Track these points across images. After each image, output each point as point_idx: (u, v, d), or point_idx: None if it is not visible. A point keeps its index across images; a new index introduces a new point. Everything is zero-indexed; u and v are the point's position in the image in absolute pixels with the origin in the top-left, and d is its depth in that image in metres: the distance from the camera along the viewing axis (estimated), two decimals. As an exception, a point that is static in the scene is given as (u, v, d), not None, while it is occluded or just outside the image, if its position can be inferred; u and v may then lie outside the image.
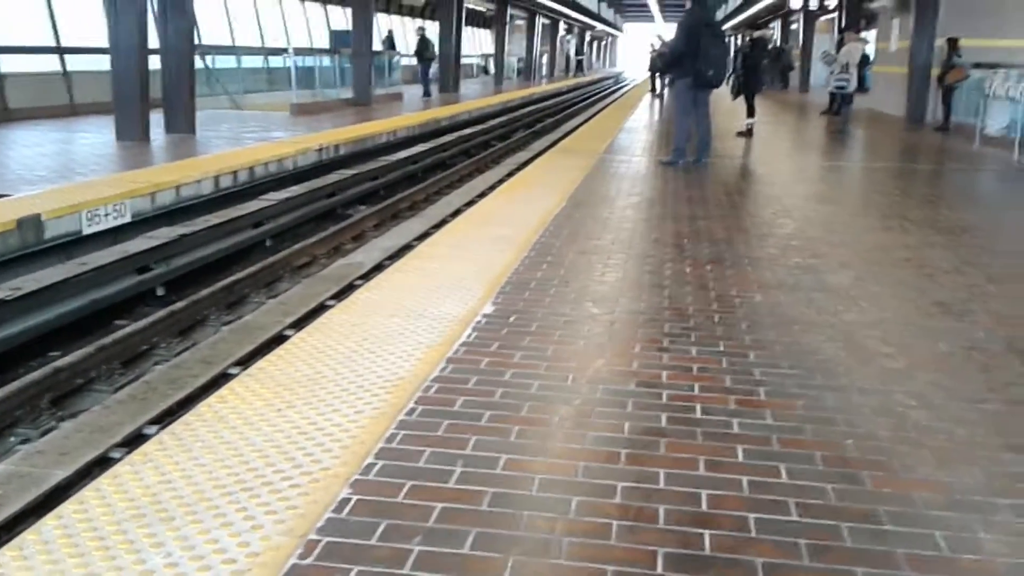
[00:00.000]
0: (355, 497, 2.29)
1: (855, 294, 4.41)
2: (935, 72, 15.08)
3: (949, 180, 9.59)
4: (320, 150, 11.51)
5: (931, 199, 7.81)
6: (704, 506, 2.30)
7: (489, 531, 2.15)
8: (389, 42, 25.95)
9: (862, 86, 19.25)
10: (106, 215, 7.12)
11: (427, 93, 22.55)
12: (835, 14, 26.58)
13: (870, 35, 22.91)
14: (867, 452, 2.62)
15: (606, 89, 40.80)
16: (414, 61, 24.99)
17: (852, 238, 5.86)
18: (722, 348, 3.53)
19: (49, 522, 2.15)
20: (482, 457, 2.53)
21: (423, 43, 23.36)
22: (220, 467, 2.41)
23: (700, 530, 2.18)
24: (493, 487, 2.36)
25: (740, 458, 2.57)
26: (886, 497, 2.36)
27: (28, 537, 2.07)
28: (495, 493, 2.33)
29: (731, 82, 14.17)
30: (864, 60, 19.14)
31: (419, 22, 29.73)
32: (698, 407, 2.93)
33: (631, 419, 2.82)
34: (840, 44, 16.51)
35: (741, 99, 13.30)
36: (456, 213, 8.43)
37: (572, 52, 52.13)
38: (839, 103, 15.23)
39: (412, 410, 2.84)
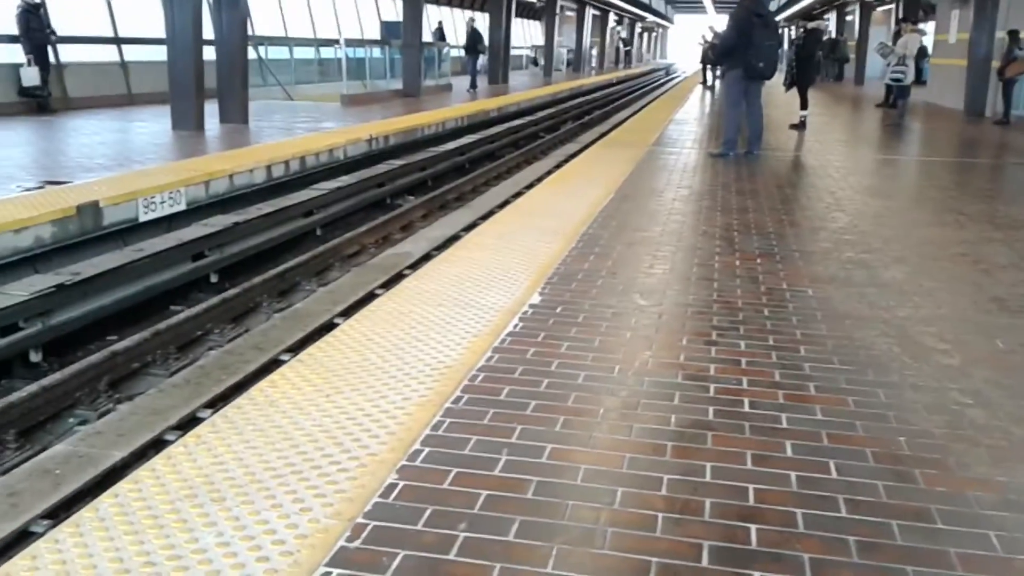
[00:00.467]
0: (402, 483, 2.31)
1: (909, 289, 4.33)
2: (995, 65, 14.71)
3: (1008, 175, 9.35)
4: (370, 140, 11.60)
5: (989, 194, 7.63)
6: (751, 500, 2.28)
7: (534, 519, 2.16)
8: (439, 33, 25.94)
9: (919, 78, 18.85)
10: (162, 203, 7.26)
11: (474, 85, 22.45)
12: (892, 5, 26.04)
13: (928, 27, 22.42)
14: (920, 450, 2.58)
15: (656, 81, 40.48)
16: (463, 53, 24.85)
17: (906, 233, 5.75)
18: (771, 342, 3.49)
19: (105, 500, 2.20)
20: (528, 446, 2.54)
21: (475, 35, 22.99)
22: (271, 450, 2.46)
23: (746, 524, 2.16)
24: (538, 476, 2.37)
25: (788, 453, 2.54)
26: (939, 495, 2.32)
27: (85, 515, 2.13)
28: (540, 482, 2.34)
29: (784, 74, 13.98)
30: (922, 52, 18.75)
31: (468, 13, 29.69)
32: (746, 401, 2.90)
33: (678, 412, 2.81)
34: (897, 35, 16.19)
35: (794, 91, 13.11)
36: (503, 204, 8.43)
37: (621, 44, 51.81)
38: (895, 95, 14.93)
39: (458, 398, 2.86)
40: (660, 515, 2.20)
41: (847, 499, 2.29)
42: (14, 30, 12.49)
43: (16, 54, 12.67)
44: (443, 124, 14.51)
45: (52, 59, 13.11)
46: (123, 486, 2.27)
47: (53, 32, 12.89)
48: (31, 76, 12.52)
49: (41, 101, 12.76)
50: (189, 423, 3.95)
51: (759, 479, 2.38)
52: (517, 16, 33.50)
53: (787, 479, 2.39)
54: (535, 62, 40.29)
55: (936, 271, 4.76)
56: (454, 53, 26.37)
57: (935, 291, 4.33)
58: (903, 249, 5.22)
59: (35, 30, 12.52)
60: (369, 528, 2.10)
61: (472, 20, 23.77)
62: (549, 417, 2.74)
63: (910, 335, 3.62)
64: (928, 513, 2.23)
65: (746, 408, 2.85)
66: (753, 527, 2.15)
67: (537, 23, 43.38)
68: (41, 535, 2.52)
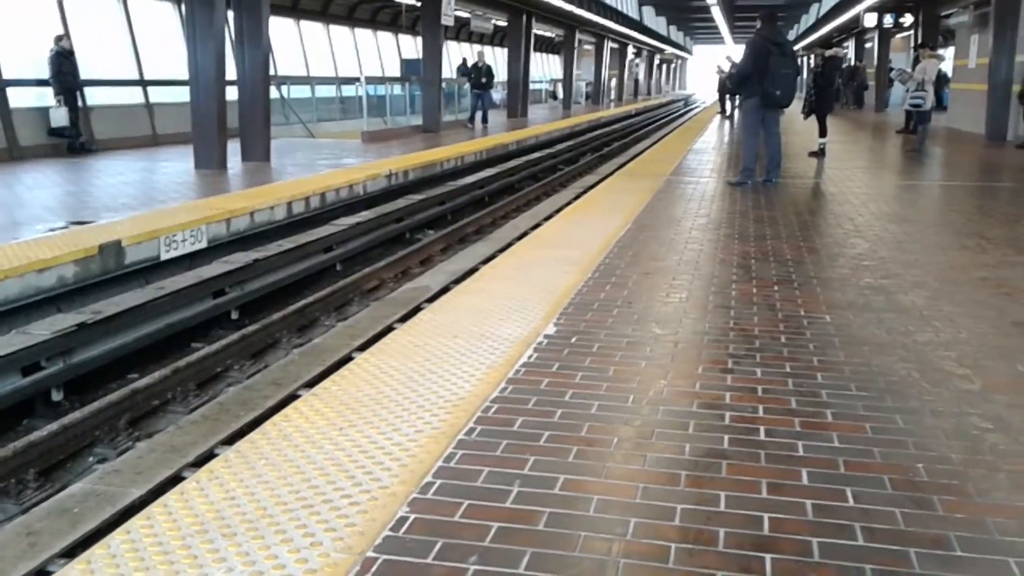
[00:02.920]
0: (412, 515, 2.30)
1: (928, 314, 4.28)
2: (1016, 89, 14.64)
3: (1032, 198, 9.26)
4: (389, 176, 11.69)
5: (1011, 218, 7.55)
6: (766, 529, 2.25)
7: (545, 551, 2.14)
8: (464, 69, 26.00)
9: (940, 104, 18.79)
10: (183, 241, 7.34)
11: (484, 120, 22.25)
12: (911, 31, 26.04)
13: (948, 52, 22.38)
14: (939, 476, 2.54)
15: (675, 112, 40.61)
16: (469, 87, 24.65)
17: (926, 258, 5.69)
18: (788, 369, 3.46)
19: (117, 536, 2.21)
20: (540, 477, 2.53)
21: (485, 71, 22.16)
22: (282, 484, 2.46)
23: (761, 554, 2.13)
24: (550, 507, 2.35)
25: (804, 481, 2.51)
26: (958, 522, 2.28)
27: (97, 552, 2.14)
28: (552, 513, 2.32)
29: (803, 102, 13.97)
30: (942, 78, 18.70)
31: (488, 49, 29.96)
32: (762, 429, 2.87)
33: (692, 440, 2.78)
34: (916, 61, 16.16)
35: (813, 119, 13.10)
36: (522, 236, 8.45)
37: (640, 76, 52.08)
38: (915, 121, 14.87)
39: (471, 430, 2.85)
40: (673, 546, 2.17)
41: (864, 527, 2.25)
42: (43, 74, 12.78)
43: (44, 98, 12.96)
44: (462, 158, 14.61)
45: (80, 103, 13.40)
46: (135, 522, 2.28)
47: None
48: (60, 117, 12.81)
49: (71, 143, 13.03)
50: (206, 459, 3.96)
51: (774, 508, 2.35)
52: (536, 51, 33.81)
53: (803, 507, 2.35)
54: (554, 95, 40.57)
55: (957, 296, 4.70)
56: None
57: (955, 316, 4.28)
58: (923, 274, 5.17)
59: (67, 74, 12.83)
60: (379, 562, 2.09)
61: (481, 54, 23.65)
62: (562, 448, 2.73)
63: (929, 360, 3.58)
64: (947, 540, 2.19)
65: (762, 436, 2.82)
66: (768, 556, 2.12)
67: (556, 56, 43.75)
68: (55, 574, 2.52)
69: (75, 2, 14.20)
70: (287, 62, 20.57)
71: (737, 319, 4.20)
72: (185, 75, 11.72)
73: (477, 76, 22.01)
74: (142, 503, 3.64)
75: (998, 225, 7.00)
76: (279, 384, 5.05)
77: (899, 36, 29.40)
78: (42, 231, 7.07)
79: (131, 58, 15.38)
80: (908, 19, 25.72)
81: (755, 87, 9.16)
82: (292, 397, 4.78)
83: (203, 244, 7.62)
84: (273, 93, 14.84)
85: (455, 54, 29.97)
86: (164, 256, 7.14)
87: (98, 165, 12.09)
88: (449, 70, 25.95)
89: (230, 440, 4.26)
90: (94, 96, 14.15)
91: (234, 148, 12.34)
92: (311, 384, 4.87)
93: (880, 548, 2.16)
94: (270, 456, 2.64)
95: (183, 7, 14.74)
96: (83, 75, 13.37)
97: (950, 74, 21.39)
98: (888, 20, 26.98)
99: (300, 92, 20.47)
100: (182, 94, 12.70)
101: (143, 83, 15.39)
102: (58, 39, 12.88)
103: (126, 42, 15.36)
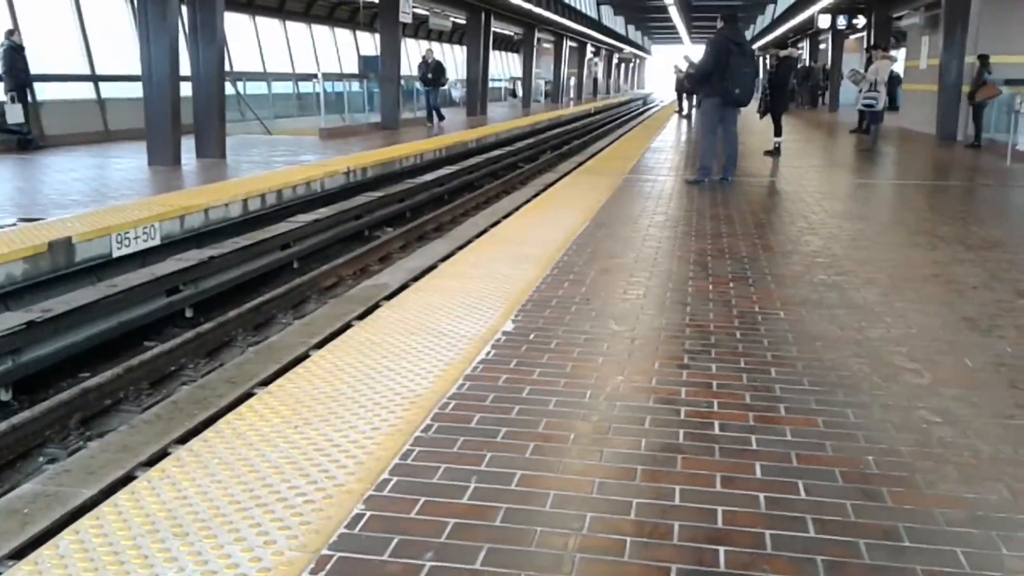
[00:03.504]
0: (368, 513, 2.29)
1: (880, 311, 4.35)
2: (965, 89, 14.94)
3: (979, 197, 9.47)
4: (347, 173, 11.61)
5: (961, 216, 7.72)
6: (720, 522, 2.27)
7: (502, 547, 2.14)
8: (426, 67, 25.68)
9: (893, 104, 19.10)
10: (135, 238, 7.22)
11: (440, 117, 22.07)
12: (864, 33, 26.46)
13: (899, 53, 22.77)
14: (888, 468, 2.58)
15: (634, 111, 40.84)
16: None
17: (879, 255, 5.79)
18: (743, 364, 3.50)
19: (66, 537, 2.17)
20: (497, 473, 2.53)
21: (436, 67, 21.85)
22: (236, 483, 2.43)
23: (715, 547, 2.15)
24: (507, 503, 2.35)
25: (758, 474, 2.54)
26: (907, 514, 2.32)
27: (44, 552, 2.10)
28: (509, 509, 2.32)
29: (759, 102, 14.14)
30: (894, 78, 19.03)
31: (447, 47, 29.87)
32: (716, 424, 2.90)
33: (648, 435, 2.80)
34: (869, 62, 16.43)
35: (769, 118, 13.26)
36: (481, 234, 8.44)
37: (599, 75, 52.29)
38: (868, 121, 15.11)
39: (428, 427, 2.84)
40: (629, 539, 2.18)
41: (815, 519, 2.28)
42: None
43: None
44: (421, 156, 14.55)
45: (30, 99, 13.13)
46: (84, 523, 2.24)
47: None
48: (16, 113, 12.53)
49: (21, 139, 12.75)
50: (159, 459, 3.89)
51: (728, 501, 2.38)
52: (495, 48, 33.78)
53: (756, 500, 2.38)
54: (513, 93, 40.59)
55: (908, 292, 4.79)
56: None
57: (906, 312, 4.35)
58: (875, 271, 5.26)
59: (20, 69, 12.55)
60: (334, 560, 2.07)
61: (430, 51, 23.20)
62: (519, 444, 2.73)
63: (880, 355, 3.64)
64: (896, 531, 2.23)
65: (716, 430, 2.85)
66: (721, 549, 2.14)
67: (515, 55, 43.78)
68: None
69: (24, -5, 13.91)
70: (242, 58, 20.33)
71: (693, 315, 4.23)
72: (138, 70, 11.53)
73: (425, 72, 21.74)
74: (93, 503, 3.57)
75: (948, 223, 7.14)
76: (234, 383, 4.99)
77: (852, 37, 29.85)
78: (-11, 228, 6.91)
79: (82, 53, 15.09)
80: (861, 21, 26.11)
81: (715, 86, 9.25)
82: (247, 395, 4.71)
83: (156, 241, 7.50)
84: (228, 89, 14.66)
85: (414, 52, 29.83)
86: (116, 253, 7.02)
87: (47, 161, 11.85)
88: (409, 67, 25.81)
89: (184, 439, 4.19)
90: (44, 91, 13.85)
91: (188, 144, 12.17)
92: (267, 382, 4.82)
93: (831, 539, 2.19)
94: (224, 455, 2.61)
95: (135, 1, 14.51)
96: (32, 70, 13.08)
97: (902, 75, 21.76)
98: (841, 21, 27.38)
99: (256, 88, 20.26)
100: (135, 89, 12.50)
101: (94, 78, 15.11)
102: (9, 33, 12.60)
103: (77, 37, 15.06)
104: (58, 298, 5.94)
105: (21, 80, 12.64)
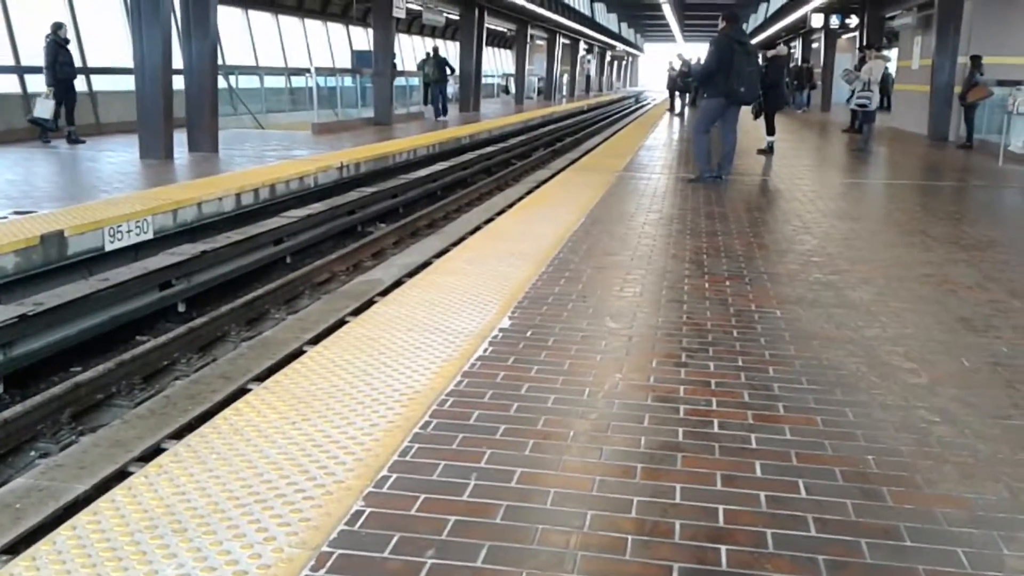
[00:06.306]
0: (368, 510, 2.27)
1: (876, 310, 4.36)
2: (957, 90, 14.99)
3: (972, 197, 9.50)
4: (340, 168, 11.57)
5: (954, 216, 7.74)
6: (721, 521, 2.26)
7: (502, 544, 2.13)
8: (420, 65, 25.67)
9: (886, 104, 19.17)
10: (128, 231, 7.18)
11: (445, 112, 22.27)
12: (856, 32, 26.51)
13: (892, 53, 22.83)
14: (888, 468, 2.58)
15: (627, 108, 40.84)
16: (421, 81, 24.51)
17: (873, 254, 5.80)
18: (740, 363, 3.50)
19: (63, 532, 2.15)
20: (496, 470, 2.52)
21: (442, 63, 22.20)
22: (234, 479, 2.41)
23: (716, 545, 2.15)
24: (507, 500, 2.34)
25: (758, 473, 2.53)
26: (907, 513, 2.32)
27: (41, 548, 2.08)
28: (509, 506, 2.31)
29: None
30: (887, 78, 19.08)
31: (440, 43, 29.82)
32: (715, 422, 2.90)
33: (647, 433, 2.80)
34: (862, 62, 16.46)
35: (762, 117, 13.26)
36: (475, 230, 8.43)
37: (592, 72, 52.29)
38: (861, 121, 15.14)
39: (427, 423, 2.83)
40: (630, 538, 2.18)
41: (816, 518, 2.28)
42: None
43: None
44: (414, 151, 14.52)
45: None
46: (81, 518, 2.22)
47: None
48: (47, 108, 12.43)
49: (71, 133, 12.74)
50: (153, 454, 3.88)
51: (729, 499, 2.37)
52: (488, 45, 33.75)
53: (756, 499, 2.38)
54: (506, 90, 40.53)
55: (903, 292, 4.80)
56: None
57: (902, 311, 4.36)
58: (870, 270, 5.27)
59: (63, 63, 12.39)
60: (334, 557, 2.06)
61: (435, 48, 23.45)
62: (519, 441, 2.72)
63: (877, 355, 3.64)
64: (896, 531, 2.23)
65: (715, 429, 2.84)
66: (723, 548, 2.14)
67: (508, 52, 43.72)
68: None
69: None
70: (235, 52, 20.24)
71: (690, 314, 4.23)
72: (130, 63, 11.45)
73: (433, 69, 21.89)
74: (86, 499, 3.55)
75: (941, 223, 7.17)
76: (228, 378, 4.96)
77: (845, 37, 29.91)
78: (-20, 221, 6.86)
79: (73, 46, 14.96)
80: (854, 20, 26.16)
81: (720, 86, 9.24)
82: (241, 391, 4.69)
83: (149, 235, 7.46)
84: (221, 83, 14.57)
85: (407, 47, 29.76)
86: (109, 247, 6.98)
87: (38, 154, 11.77)
88: (401, 63, 25.74)
89: (178, 435, 4.17)
90: (32, 84, 13.74)
91: (180, 138, 12.11)
92: (261, 378, 4.80)
93: (832, 539, 2.18)
94: (221, 451, 2.59)
95: (128, -7, 14.42)
96: (23, 62, 12.95)
97: (894, 75, 21.82)
98: (834, 21, 27.42)
99: (249, 82, 20.15)
100: (127, 82, 12.41)
101: (86, 71, 15.01)
102: (56, 28, 12.36)
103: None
104: (50, 292, 5.91)
105: (64, 74, 12.43)
